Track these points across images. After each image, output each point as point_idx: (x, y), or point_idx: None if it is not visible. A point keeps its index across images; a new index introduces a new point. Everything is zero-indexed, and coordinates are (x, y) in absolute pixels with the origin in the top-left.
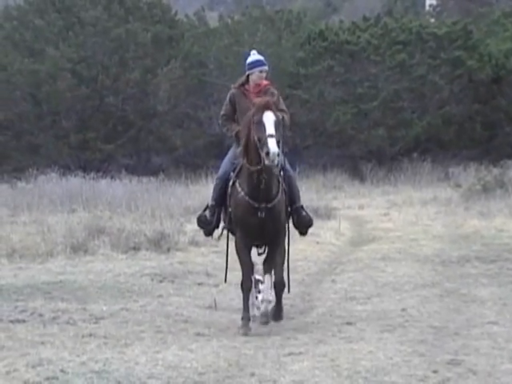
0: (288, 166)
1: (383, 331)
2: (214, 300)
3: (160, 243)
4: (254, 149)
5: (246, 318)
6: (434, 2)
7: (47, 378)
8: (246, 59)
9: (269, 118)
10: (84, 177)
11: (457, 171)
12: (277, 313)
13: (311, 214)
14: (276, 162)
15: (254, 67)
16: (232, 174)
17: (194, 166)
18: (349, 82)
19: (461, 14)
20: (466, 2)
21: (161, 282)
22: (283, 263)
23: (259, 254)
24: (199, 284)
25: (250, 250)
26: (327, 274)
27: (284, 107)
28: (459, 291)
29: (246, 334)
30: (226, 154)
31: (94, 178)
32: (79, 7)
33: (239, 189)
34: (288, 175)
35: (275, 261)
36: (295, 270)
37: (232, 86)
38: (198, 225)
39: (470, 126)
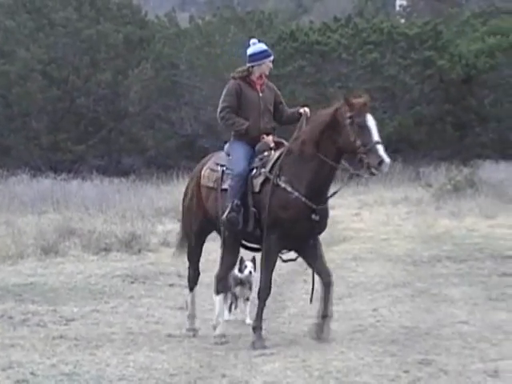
0: None
1: (354, 331)
2: (186, 301)
3: (131, 244)
4: (339, 151)
5: (259, 328)
6: (405, 3)
7: (17, 381)
8: (247, 50)
9: (373, 122)
10: (55, 178)
11: (428, 171)
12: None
13: None
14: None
15: (264, 58)
16: (262, 169)
17: (165, 167)
18: (320, 82)
19: (431, 15)
20: (435, 2)
21: (132, 283)
22: None
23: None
24: (170, 285)
25: None
26: (299, 274)
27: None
28: (430, 291)
29: (263, 347)
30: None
31: (64, 179)
32: (50, 8)
33: (289, 188)
34: None
35: (323, 263)
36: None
37: (233, 76)
38: (229, 227)
39: (441, 126)
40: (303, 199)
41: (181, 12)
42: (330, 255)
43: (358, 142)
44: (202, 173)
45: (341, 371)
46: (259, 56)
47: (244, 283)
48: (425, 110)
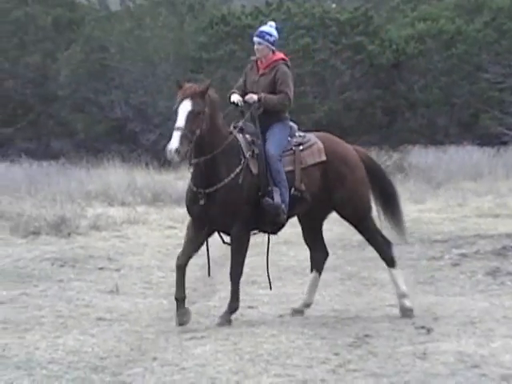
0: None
1: (285, 315)
2: (116, 284)
3: (60, 227)
4: None
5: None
6: None
7: None
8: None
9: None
10: None
11: None
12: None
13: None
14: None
15: (255, 38)
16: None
17: (94, 151)
18: None
19: (362, 0)
20: None
21: (61, 266)
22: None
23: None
24: (100, 268)
25: None
26: (229, 258)
27: (285, 88)
28: (360, 275)
29: (182, 323)
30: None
31: None
32: None
33: None
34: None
35: None
36: (197, 254)
37: (251, 57)
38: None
39: (371, 111)
40: None
41: None
42: (261, 239)
43: None
44: None
45: (272, 354)
46: (254, 37)
47: None
48: (355, 95)
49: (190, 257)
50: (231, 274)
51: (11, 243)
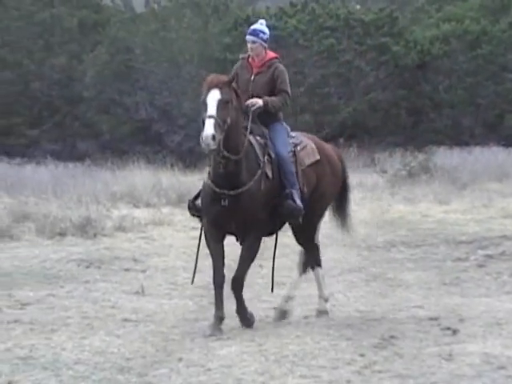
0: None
1: (310, 316)
2: (142, 285)
3: (86, 229)
4: None
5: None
6: None
7: None
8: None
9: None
10: (8, 162)
11: (382, 157)
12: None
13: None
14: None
15: (248, 36)
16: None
17: (120, 152)
18: None
19: (386, 1)
20: None
21: (87, 267)
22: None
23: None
24: (126, 270)
25: None
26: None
27: (284, 86)
28: (385, 276)
29: (213, 335)
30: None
31: (18, 164)
32: None
33: None
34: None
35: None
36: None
37: (240, 56)
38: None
39: (396, 111)
40: None
41: None
42: (286, 240)
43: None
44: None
45: (297, 355)
46: (247, 34)
47: None
48: (380, 96)
49: (223, 269)
50: (234, 279)
51: (37, 244)
